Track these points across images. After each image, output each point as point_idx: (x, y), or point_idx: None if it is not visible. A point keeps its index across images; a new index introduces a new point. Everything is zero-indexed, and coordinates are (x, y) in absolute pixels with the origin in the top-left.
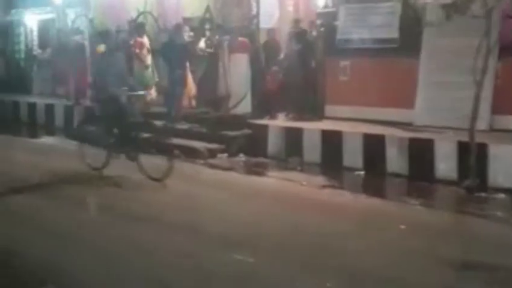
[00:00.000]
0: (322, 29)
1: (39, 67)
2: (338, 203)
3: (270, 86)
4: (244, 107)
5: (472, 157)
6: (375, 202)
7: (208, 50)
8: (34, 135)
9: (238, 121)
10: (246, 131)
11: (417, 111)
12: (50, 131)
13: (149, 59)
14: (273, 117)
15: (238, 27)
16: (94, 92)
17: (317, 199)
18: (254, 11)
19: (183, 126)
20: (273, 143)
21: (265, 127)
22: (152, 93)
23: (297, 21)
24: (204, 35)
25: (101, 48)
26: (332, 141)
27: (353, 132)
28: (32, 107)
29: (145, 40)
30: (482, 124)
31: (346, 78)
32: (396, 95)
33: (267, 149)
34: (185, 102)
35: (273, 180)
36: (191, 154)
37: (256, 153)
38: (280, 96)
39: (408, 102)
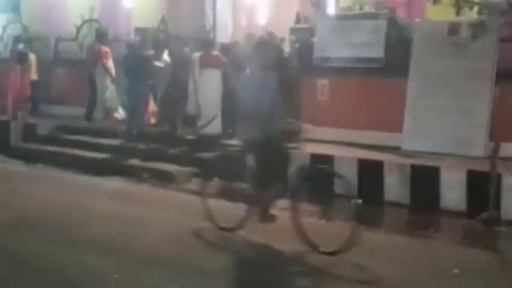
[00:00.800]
0: (297, 45)
1: None
2: None
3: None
4: (215, 127)
5: (492, 188)
6: (399, 239)
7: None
8: None
9: (211, 142)
10: (219, 153)
11: (405, 135)
12: None
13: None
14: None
15: (205, 40)
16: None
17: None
18: (210, 23)
19: (144, 146)
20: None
21: (242, 148)
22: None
23: (271, 34)
24: (162, 47)
25: None
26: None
27: (346, 156)
28: None
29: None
30: (478, 151)
31: (324, 98)
32: (381, 118)
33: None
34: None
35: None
36: (161, 178)
37: (233, 177)
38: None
39: (394, 126)
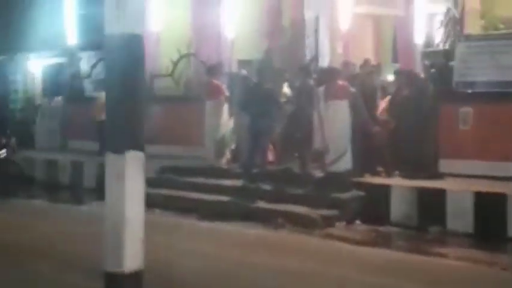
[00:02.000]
0: (433, 70)
1: (43, 118)
2: None
3: (376, 138)
4: (345, 162)
5: None
6: None
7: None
8: (76, 200)
9: (341, 180)
10: (356, 192)
11: None
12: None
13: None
14: (375, 174)
15: (328, 70)
16: None
17: None
18: (312, 53)
19: (269, 186)
20: (399, 207)
21: (384, 187)
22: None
23: (367, 62)
24: (281, 80)
25: None
26: (488, 206)
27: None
28: (52, 164)
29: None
30: None
31: (467, 128)
32: None
33: (390, 214)
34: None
35: (456, 263)
36: (300, 223)
37: (376, 220)
38: (387, 149)
39: None
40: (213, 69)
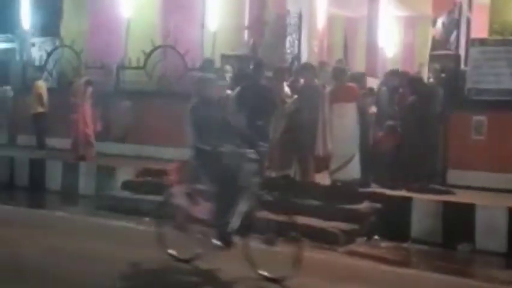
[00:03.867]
0: (443, 75)
1: None
2: None
3: (384, 145)
4: (352, 171)
5: None
6: None
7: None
8: (38, 204)
9: (352, 190)
10: (372, 204)
11: None
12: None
13: None
14: (382, 185)
15: (337, 69)
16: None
17: None
18: (295, 51)
19: (270, 196)
20: (421, 222)
21: (403, 200)
22: None
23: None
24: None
25: None
26: None
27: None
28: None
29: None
30: None
31: (480, 137)
32: None
33: (411, 229)
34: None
35: (489, 285)
36: (318, 238)
37: (395, 235)
38: (394, 158)
39: None
40: (207, 64)
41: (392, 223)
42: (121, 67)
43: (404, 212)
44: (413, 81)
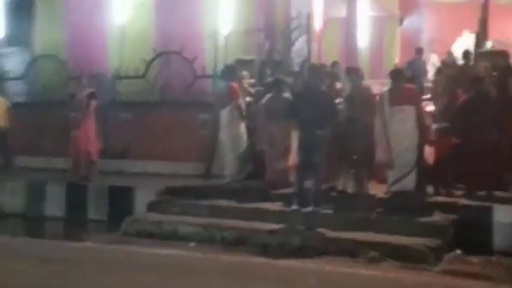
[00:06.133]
0: (495, 73)
1: None
2: None
3: (441, 151)
4: (408, 181)
5: None
6: None
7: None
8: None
9: (419, 201)
10: (447, 215)
11: None
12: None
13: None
14: (439, 193)
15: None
16: None
17: None
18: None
19: (324, 211)
20: (506, 232)
21: (482, 209)
22: None
23: (450, 54)
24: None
25: None
26: None
27: None
28: None
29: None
30: None
31: None
32: None
33: (493, 241)
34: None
35: None
36: (403, 256)
37: (477, 248)
38: (453, 164)
39: None
40: (228, 71)
41: (472, 235)
42: (117, 77)
43: (483, 222)
44: (475, 81)
